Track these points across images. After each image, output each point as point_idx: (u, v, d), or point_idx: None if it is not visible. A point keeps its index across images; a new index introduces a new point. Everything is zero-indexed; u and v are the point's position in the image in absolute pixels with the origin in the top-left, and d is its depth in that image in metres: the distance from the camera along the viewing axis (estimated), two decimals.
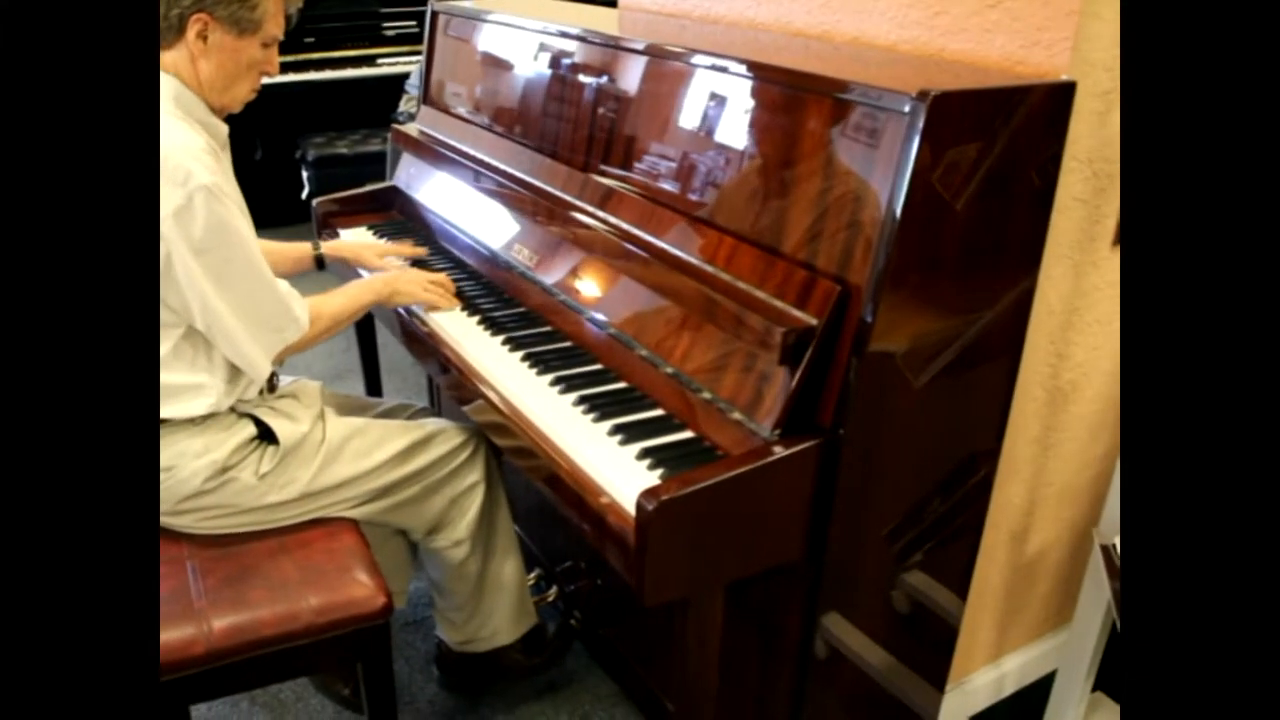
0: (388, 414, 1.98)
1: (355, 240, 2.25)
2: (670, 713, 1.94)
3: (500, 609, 2.00)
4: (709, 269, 1.47)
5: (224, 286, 1.52)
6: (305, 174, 4.64)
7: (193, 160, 1.47)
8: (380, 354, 2.69)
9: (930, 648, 1.71)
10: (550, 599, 2.24)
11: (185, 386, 1.58)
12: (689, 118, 1.59)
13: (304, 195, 4.65)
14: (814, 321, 1.29)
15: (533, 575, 2.22)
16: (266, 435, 1.68)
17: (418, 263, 2.15)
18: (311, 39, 4.78)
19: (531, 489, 2.27)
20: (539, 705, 2.12)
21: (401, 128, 2.49)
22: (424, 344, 1.86)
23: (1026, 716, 2.03)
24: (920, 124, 1.20)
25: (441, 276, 1.94)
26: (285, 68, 4.61)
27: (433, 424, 1.86)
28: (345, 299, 1.80)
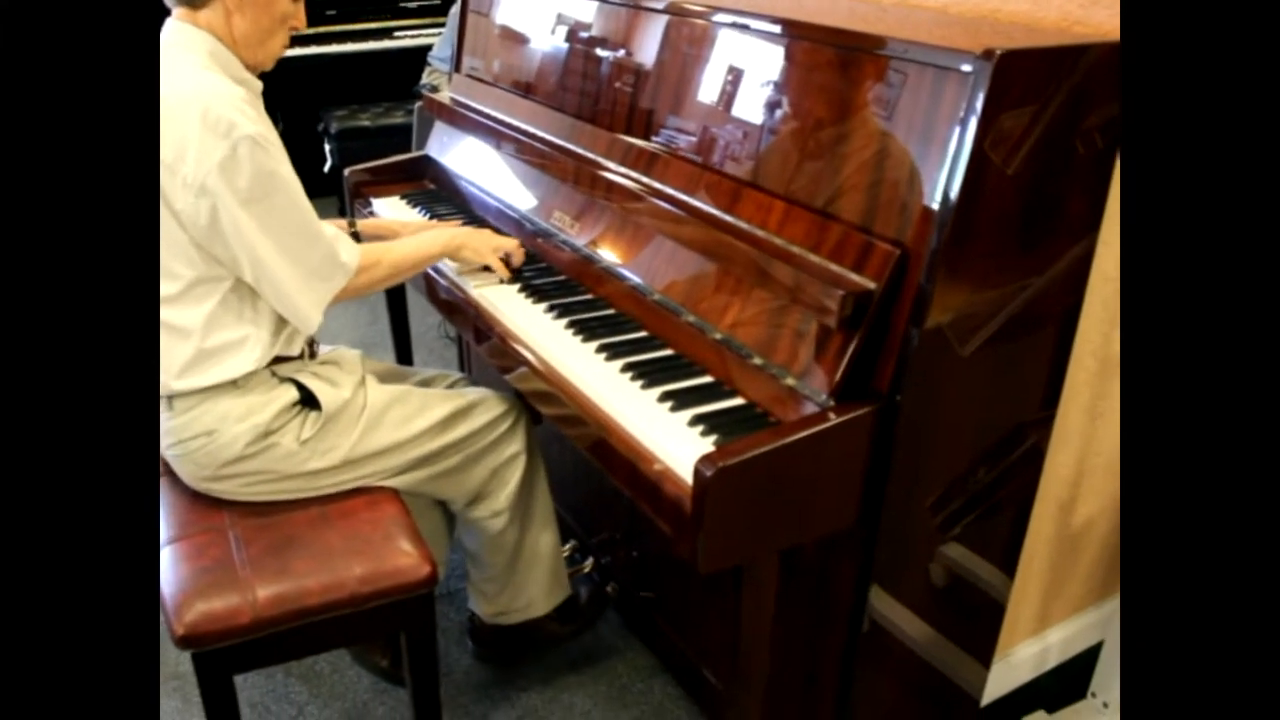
0: (426, 383, 1.97)
1: (392, 217, 2.22)
2: (709, 683, 1.93)
3: (535, 580, 1.99)
4: (760, 233, 1.44)
5: (272, 236, 1.51)
6: (328, 147, 4.62)
7: (235, 111, 1.45)
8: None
9: (977, 621, 1.69)
10: (586, 570, 2.23)
11: (231, 343, 1.57)
12: (738, 80, 1.56)
13: (326, 168, 4.63)
14: (872, 285, 1.27)
15: (568, 547, 2.21)
16: (308, 401, 1.66)
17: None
18: (333, 11, 4.75)
19: (565, 460, 2.27)
20: (576, 677, 2.12)
21: (434, 95, 2.47)
22: (463, 312, 1.84)
23: (1070, 690, 2.02)
24: (984, 84, 1.17)
25: (513, 243, 1.91)
26: (307, 40, 4.59)
27: (474, 393, 1.84)
28: (410, 248, 1.78)
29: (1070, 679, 2.05)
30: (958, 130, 1.20)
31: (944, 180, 1.22)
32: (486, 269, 1.89)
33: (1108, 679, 1.91)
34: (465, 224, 2.15)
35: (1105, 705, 1.95)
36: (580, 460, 2.25)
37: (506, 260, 1.89)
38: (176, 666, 2.13)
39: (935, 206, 1.23)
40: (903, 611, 1.53)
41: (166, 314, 1.54)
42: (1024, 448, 1.54)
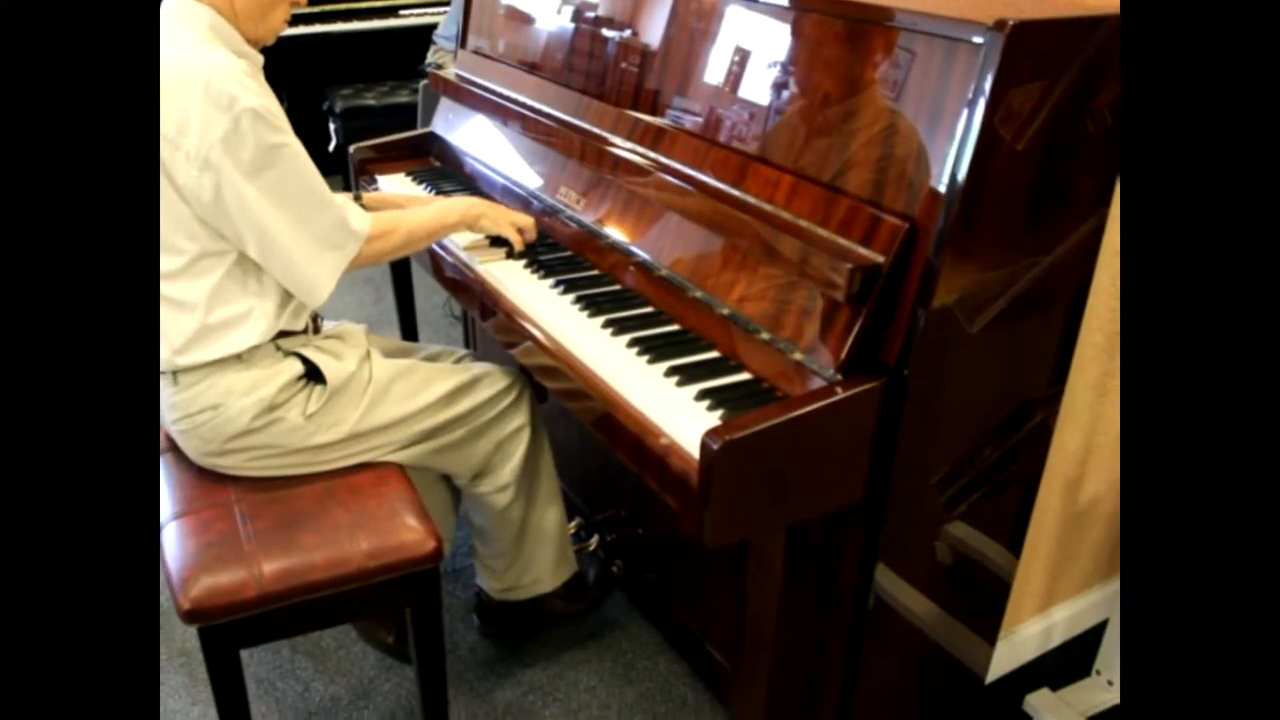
0: (432, 358, 1.96)
1: (398, 191, 2.21)
2: (715, 660, 1.93)
3: (542, 556, 1.99)
4: (768, 208, 1.43)
5: (278, 208, 1.50)
6: (332, 126, 4.61)
7: (235, 84, 1.44)
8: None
9: (982, 599, 1.69)
10: (591, 548, 2.23)
11: (235, 317, 1.56)
12: (745, 53, 1.55)
13: (331, 147, 4.62)
14: (880, 259, 1.26)
15: (573, 525, 2.21)
16: (313, 375, 1.66)
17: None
18: None
19: (569, 438, 2.27)
20: (581, 653, 2.12)
21: (440, 72, 2.45)
22: (469, 289, 1.83)
23: (1074, 667, 2.02)
24: (996, 56, 1.16)
25: (530, 221, 1.89)
26: (311, 18, 4.57)
27: (479, 367, 1.84)
28: (427, 216, 1.77)
29: (1075, 657, 2.05)
30: (968, 104, 1.19)
31: (953, 155, 1.21)
32: (498, 242, 1.88)
33: (1112, 657, 1.91)
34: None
35: (1110, 683, 1.95)
36: (585, 438, 2.25)
37: (520, 235, 1.88)
38: (183, 643, 2.14)
39: (944, 181, 1.22)
40: (908, 590, 1.53)
41: (169, 289, 1.53)
42: (1031, 425, 1.53)
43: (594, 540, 2.23)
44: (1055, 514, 1.80)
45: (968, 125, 1.20)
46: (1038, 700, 1.88)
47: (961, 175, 1.20)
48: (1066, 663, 2.03)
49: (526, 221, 1.89)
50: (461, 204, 1.85)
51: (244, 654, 1.64)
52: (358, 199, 2.06)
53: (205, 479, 1.67)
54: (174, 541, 1.54)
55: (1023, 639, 1.97)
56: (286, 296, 1.61)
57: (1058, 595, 1.99)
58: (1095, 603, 2.03)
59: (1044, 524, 1.79)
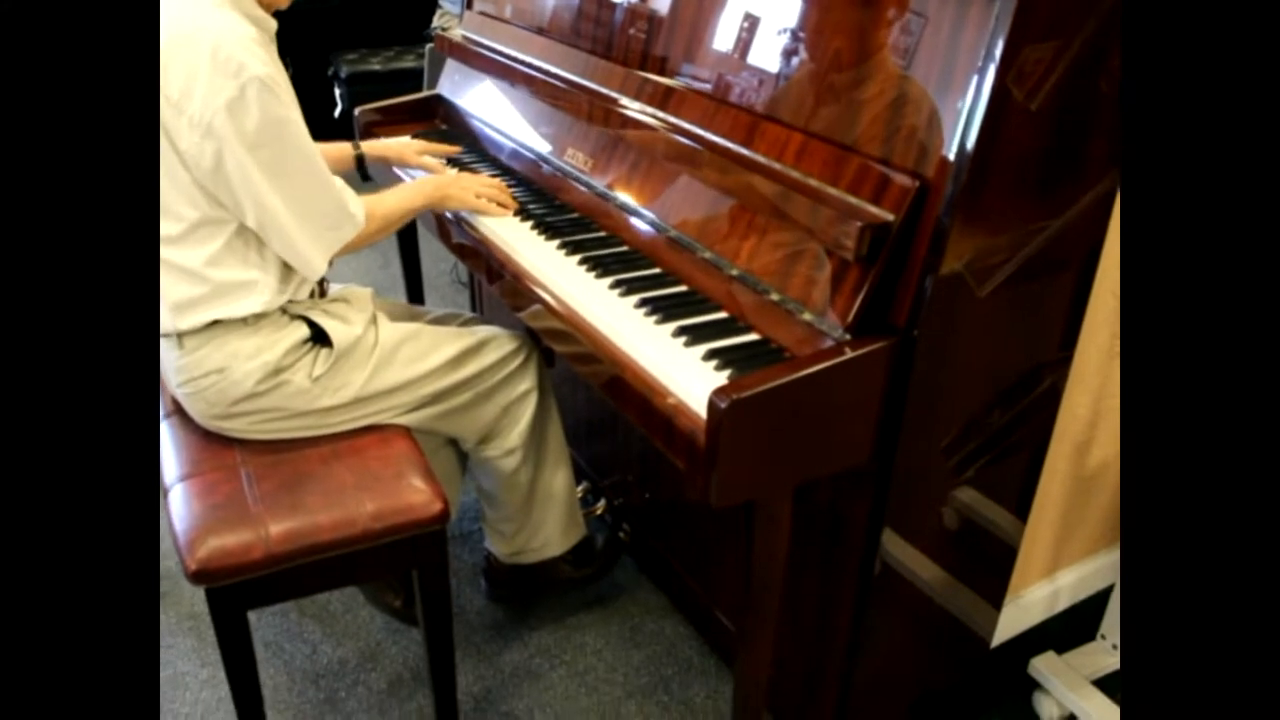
0: (438, 321, 1.96)
1: (395, 140, 2.21)
2: (721, 623, 1.93)
3: (550, 520, 1.99)
4: (777, 166, 1.42)
5: (280, 183, 1.49)
6: (338, 91, 4.58)
7: (244, 51, 1.42)
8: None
9: (989, 563, 1.69)
10: (599, 512, 2.23)
11: (237, 284, 1.55)
12: (753, 11, 1.53)
13: (336, 113, 4.59)
14: (891, 218, 1.25)
15: (581, 488, 2.21)
16: (319, 338, 1.65)
17: (465, 166, 2.11)
18: None
19: (576, 403, 2.27)
20: (588, 617, 2.12)
21: (445, 34, 2.43)
22: (475, 252, 1.82)
23: (1079, 632, 2.02)
24: (1009, 13, 1.14)
25: (496, 183, 1.90)
26: None
27: (485, 330, 1.83)
28: (395, 200, 1.77)
29: (1081, 621, 2.05)
30: (981, 62, 1.18)
31: (965, 114, 1.20)
32: None
33: (1117, 621, 1.90)
34: (474, 164, 2.13)
35: (1115, 647, 1.95)
36: (592, 403, 2.24)
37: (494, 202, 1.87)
38: (191, 606, 2.15)
39: (955, 140, 1.21)
40: (915, 554, 1.53)
41: (169, 253, 1.52)
42: (1041, 388, 1.52)
43: (601, 504, 2.23)
44: (1063, 478, 1.80)
45: (980, 83, 1.18)
46: (1043, 664, 1.88)
47: (973, 135, 1.19)
48: (1072, 627, 2.03)
49: (492, 185, 1.89)
50: (426, 186, 1.85)
51: (252, 617, 1.65)
52: (357, 148, 2.05)
53: (211, 441, 1.67)
54: (180, 503, 1.54)
55: (1029, 603, 1.97)
56: (288, 270, 1.60)
57: (1064, 560, 1.98)
58: (1101, 567, 2.03)
59: (1051, 488, 1.78)
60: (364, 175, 2.14)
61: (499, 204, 1.86)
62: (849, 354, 1.23)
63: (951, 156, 1.21)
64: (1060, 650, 1.91)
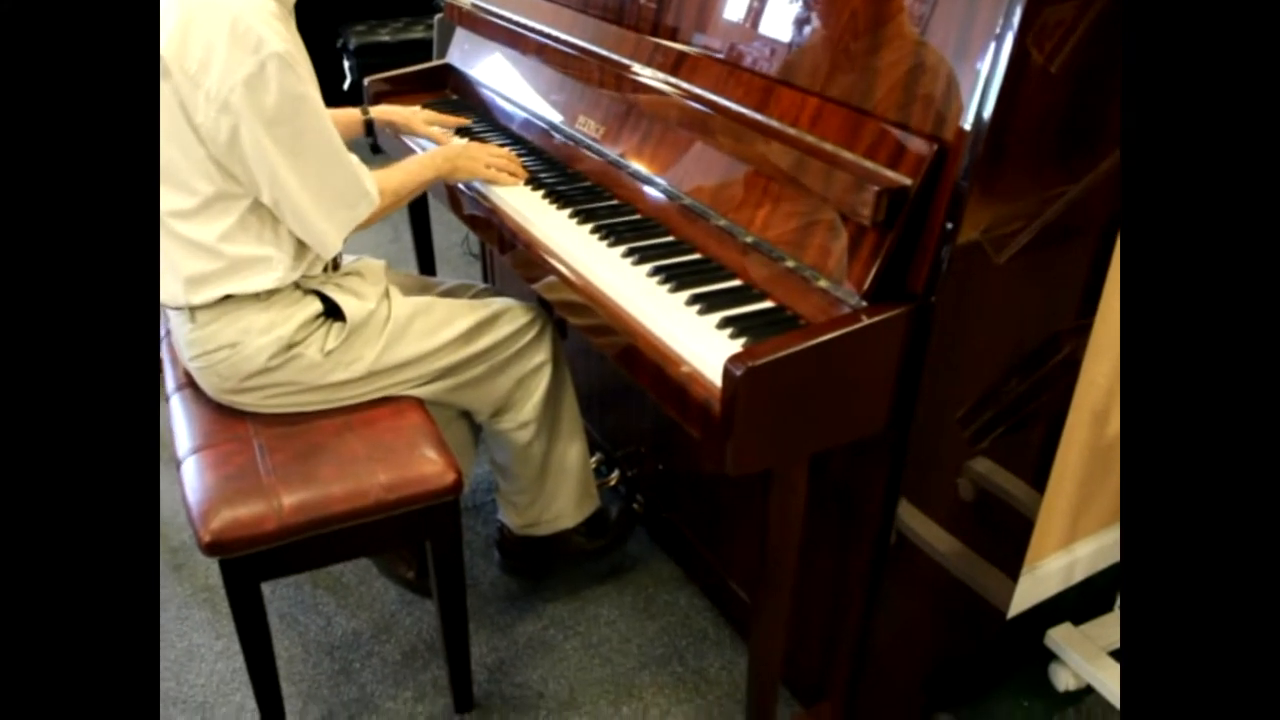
0: (451, 293, 1.94)
1: (403, 107, 2.19)
2: (736, 594, 1.93)
3: (564, 492, 1.98)
4: (791, 131, 1.40)
5: (296, 160, 1.47)
6: (347, 63, 4.56)
7: (263, 25, 1.40)
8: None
9: (1005, 535, 1.67)
10: (612, 483, 2.22)
11: (251, 259, 1.54)
12: None
13: (346, 85, 4.57)
14: (908, 182, 1.23)
15: (594, 460, 2.20)
16: (332, 312, 1.64)
17: (475, 135, 2.09)
18: None
19: (589, 374, 2.26)
20: (602, 588, 2.12)
21: (455, 2, 2.41)
22: (487, 222, 1.81)
23: (1096, 603, 2.01)
24: None
25: (504, 152, 1.88)
26: None
27: (499, 303, 1.82)
28: (404, 174, 1.75)
29: (1098, 592, 2.03)
30: (1000, 23, 1.15)
31: (984, 76, 1.17)
32: None
33: None
34: (485, 133, 2.11)
35: None
36: (606, 375, 2.23)
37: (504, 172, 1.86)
38: (206, 579, 2.15)
39: (974, 103, 1.19)
40: (931, 525, 1.51)
41: (182, 228, 1.51)
42: (1059, 357, 1.50)
43: (615, 476, 2.23)
44: (1081, 448, 1.78)
45: (999, 45, 1.16)
46: (1059, 635, 1.87)
47: (992, 98, 1.17)
48: (1089, 598, 2.02)
49: (502, 154, 1.88)
50: (435, 158, 1.83)
51: (266, 589, 1.65)
52: (365, 112, 2.04)
53: (223, 413, 1.66)
54: (193, 475, 1.54)
55: (1045, 574, 1.95)
56: (303, 248, 1.59)
57: (1082, 530, 1.97)
58: (1119, 539, 2.02)
59: (1070, 458, 1.77)
60: (374, 144, 2.13)
61: (509, 173, 1.84)
62: (865, 321, 1.21)
63: (970, 120, 1.19)
64: (1078, 621, 1.89)
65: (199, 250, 1.51)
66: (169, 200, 1.49)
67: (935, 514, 1.50)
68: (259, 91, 1.40)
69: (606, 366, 2.22)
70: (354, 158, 1.58)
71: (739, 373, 1.14)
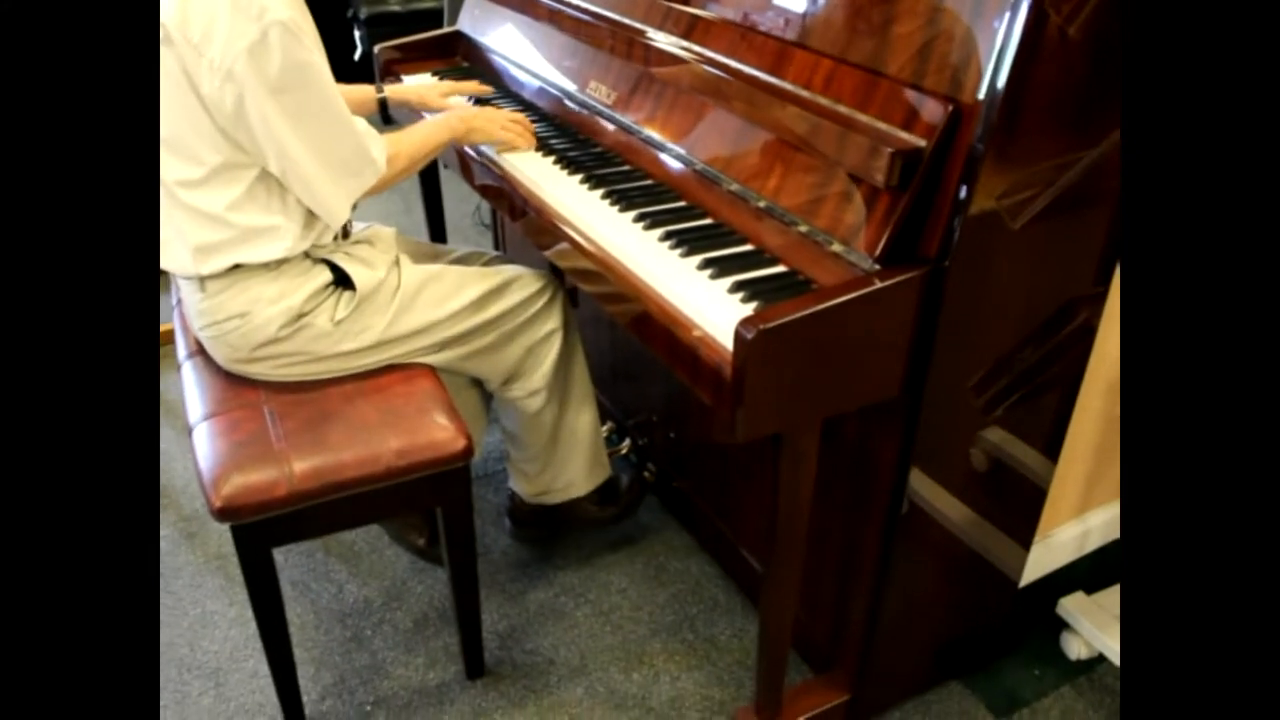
0: (462, 261, 1.94)
1: (418, 83, 2.17)
2: (747, 562, 1.93)
3: (575, 460, 1.98)
4: (805, 94, 1.38)
5: (301, 128, 1.46)
6: (357, 34, 4.53)
7: None
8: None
9: (1018, 503, 1.66)
10: (623, 452, 2.22)
11: (260, 229, 1.53)
12: None
13: (356, 56, 4.55)
14: (922, 144, 1.21)
15: (605, 429, 2.20)
16: (342, 281, 1.64)
17: (486, 102, 2.08)
18: None
19: (600, 343, 2.25)
20: (613, 556, 2.12)
21: None
22: (499, 190, 1.80)
23: (1109, 572, 2.00)
24: None
25: (519, 116, 1.87)
26: None
27: (509, 270, 1.81)
28: (421, 138, 1.74)
29: (1111, 561, 2.03)
30: None
31: (1000, 37, 1.15)
32: None
33: None
34: (496, 100, 2.09)
35: None
36: (617, 344, 2.22)
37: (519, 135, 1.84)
38: (219, 546, 2.16)
39: (990, 64, 1.17)
40: (943, 494, 1.51)
41: (190, 197, 1.50)
42: (1074, 324, 1.49)
43: (626, 444, 2.22)
44: (1095, 417, 1.77)
45: (1016, 6, 1.14)
46: (1072, 604, 1.86)
47: (1008, 59, 1.15)
48: (1102, 567, 2.02)
49: (517, 117, 1.86)
50: (451, 119, 1.81)
51: (278, 557, 1.65)
52: (380, 90, 2.02)
53: (234, 380, 1.66)
54: (205, 441, 1.54)
55: (1058, 543, 1.95)
56: (312, 217, 1.58)
57: (1094, 500, 1.96)
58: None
59: (1083, 427, 1.76)
60: (386, 119, 2.11)
61: (523, 138, 1.83)
62: (878, 284, 1.20)
63: (986, 81, 1.17)
64: (1090, 590, 1.89)
65: (207, 220, 1.50)
66: (177, 170, 1.48)
67: (947, 482, 1.50)
68: (262, 59, 1.38)
69: (617, 335, 2.21)
70: (362, 123, 1.57)
71: (750, 336, 1.13)
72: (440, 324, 1.71)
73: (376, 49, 2.38)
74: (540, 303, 1.81)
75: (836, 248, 1.30)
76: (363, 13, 4.39)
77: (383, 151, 1.60)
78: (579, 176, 1.69)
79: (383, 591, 2.05)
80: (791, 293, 1.30)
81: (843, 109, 1.32)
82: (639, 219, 1.53)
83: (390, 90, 2.05)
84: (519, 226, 1.75)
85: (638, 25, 1.76)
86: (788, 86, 1.41)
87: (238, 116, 1.42)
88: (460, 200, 3.72)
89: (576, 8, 1.94)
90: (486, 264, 1.93)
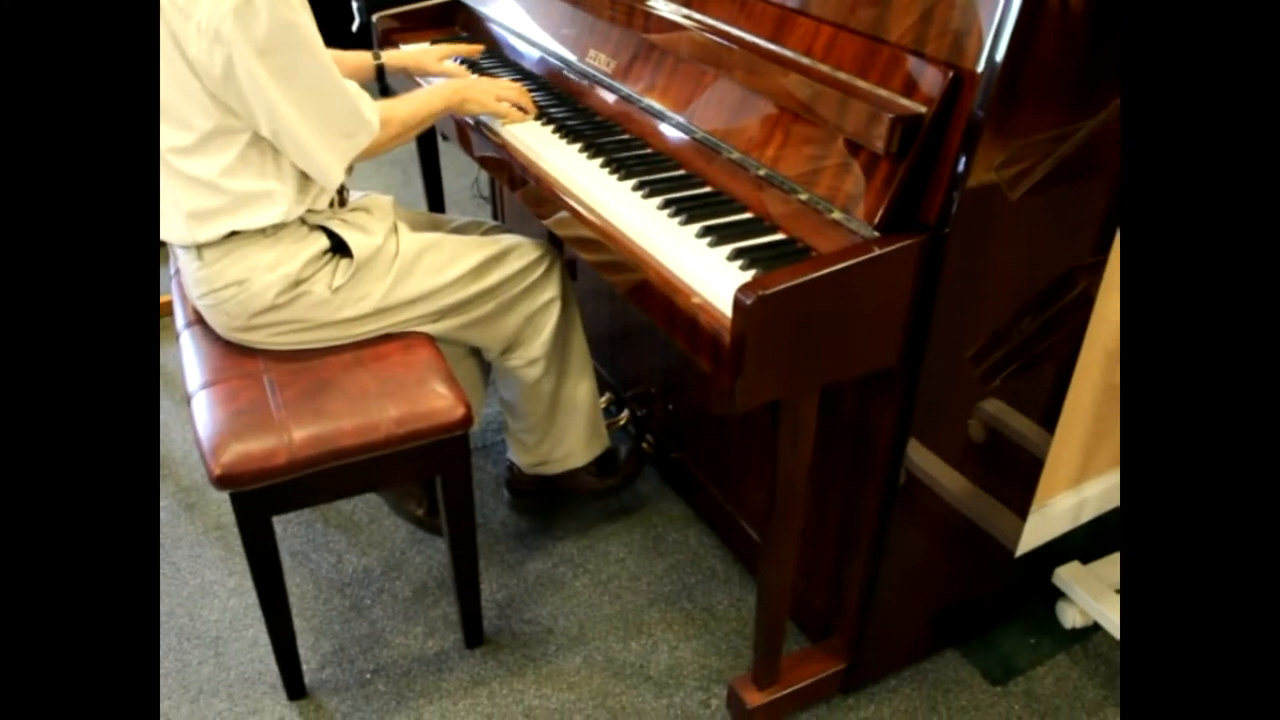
0: (460, 230, 1.93)
1: (415, 48, 2.16)
2: (744, 532, 1.93)
3: (574, 430, 1.98)
4: (805, 61, 1.38)
5: (291, 90, 1.45)
6: (354, 4, 4.50)
7: None
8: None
9: (1016, 473, 1.67)
10: (622, 423, 2.23)
11: (254, 194, 1.52)
12: None
13: (354, 27, 4.52)
14: (922, 110, 1.21)
15: (604, 400, 2.20)
16: (339, 248, 1.63)
17: (484, 70, 2.07)
18: None
19: (601, 314, 2.25)
20: (611, 527, 2.13)
21: None
22: (498, 160, 1.79)
23: (1105, 542, 2.01)
24: None
25: (516, 86, 1.86)
26: None
27: (508, 239, 1.80)
28: (416, 104, 1.73)
29: (1107, 531, 2.04)
30: None
31: (1002, 2, 1.15)
32: None
33: None
34: (495, 69, 2.08)
35: None
36: (615, 315, 2.22)
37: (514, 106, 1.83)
38: (219, 517, 2.16)
39: (991, 30, 1.16)
40: (940, 464, 1.51)
41: (183, 164, 1.49)
42: (1073, 293, 1.49)
43: (624, 415, 2.23)
44: (1093, 386, 1.77)
45: None
46: (1067, 573, 1.87)
47: (1009, 26, 1.14)
48: (1098, 537, 2.03)
49: (512, 88, 1.85)
50: (445, 89, 1.80)
51: (278, 527, 1.66)
52: (377, 57, 2.01)
53: (233, 349, 1.66)
54: (204, 410, 1.54)
55: (1054, 513, 1.96)
56: (306, 180, 1.57)
57: (1091, 470, 1.97)
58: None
59: (1081, 397, 1.76)
60: (383, 89, 2.10)
61: (520, 108, 1.82)
62: (876, 251, 1.20)
63: (987, 47, 1.17)
64: (1086, 560, 1.89)
65: (200, 186, 1.50)
66: (168, 136, 1.48)
67: (945, 452, 1.50)
68: (249, 20, 1.37)
69: (616, 307, 2.21)
70: (353, 85, 1.56)
71: (749, 302, 1.13)
72: (439, 291, 1.71)
73: (375, 18, 2.36)
74: (539, 271, 1.81)
75: (836, 215, 1.30)
76: None
77: (376, 114, 1.59)
78: (578, 145, 1.69)
79: (382, 561, 2.05)
80: (791, 260, 1.30)
81: (843, 76, 1.32)
82: (638, 187, 1.52)
83: (387, 56, 2.04)
84: (518, 196, 1.75)
85: None
86: (788, 53, 1.41)
87: (227, 79, 1.41)
88: (459, 173, 3.71)
89: None
90: (485, 234, 1.92)
